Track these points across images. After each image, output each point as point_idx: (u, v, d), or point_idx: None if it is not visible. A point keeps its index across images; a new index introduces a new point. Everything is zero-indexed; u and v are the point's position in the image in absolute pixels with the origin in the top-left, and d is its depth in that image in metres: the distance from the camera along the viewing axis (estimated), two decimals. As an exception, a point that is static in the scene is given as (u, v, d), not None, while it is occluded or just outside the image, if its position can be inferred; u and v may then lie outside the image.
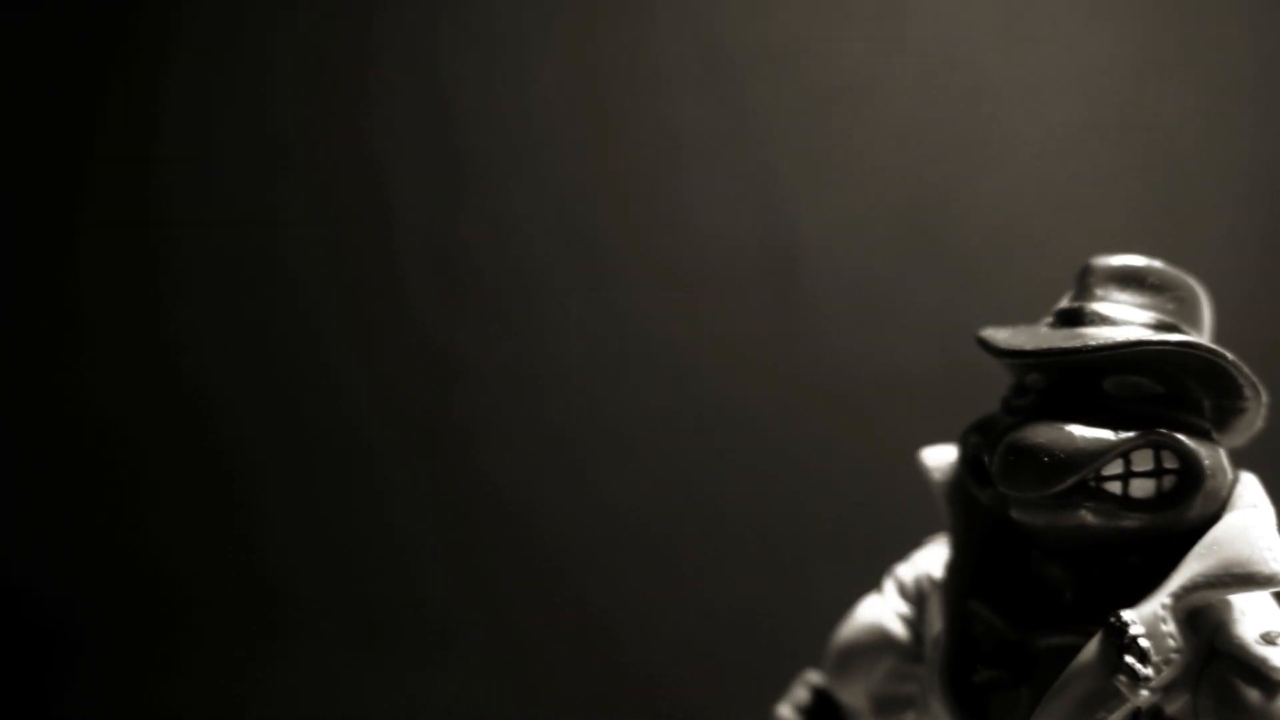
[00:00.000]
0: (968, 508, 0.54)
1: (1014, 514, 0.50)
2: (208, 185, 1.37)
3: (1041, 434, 0.48)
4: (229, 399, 1.36)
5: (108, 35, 1.37)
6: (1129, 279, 0.52)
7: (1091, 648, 0.47)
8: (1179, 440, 0.48)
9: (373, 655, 1.33)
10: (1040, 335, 0.50)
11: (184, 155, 1.37)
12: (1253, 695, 0.44)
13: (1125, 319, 0.50)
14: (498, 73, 1.31)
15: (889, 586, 0.59)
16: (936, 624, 0.53)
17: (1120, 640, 0.46)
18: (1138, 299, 0.51)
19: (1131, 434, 0.47)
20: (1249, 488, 0.49)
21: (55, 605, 1.40)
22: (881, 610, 0.58)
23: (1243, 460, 0.52)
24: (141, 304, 1.38)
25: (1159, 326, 0.50)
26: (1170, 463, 0.48)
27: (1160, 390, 0.49)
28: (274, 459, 1.35)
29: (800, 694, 0.63)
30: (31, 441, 1.40)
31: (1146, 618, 0.46)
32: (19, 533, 1.40)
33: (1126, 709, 0.46)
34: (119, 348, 1.38)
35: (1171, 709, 0.46)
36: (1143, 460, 0.48)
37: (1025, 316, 0.54)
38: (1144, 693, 0.45)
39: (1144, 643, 0.45)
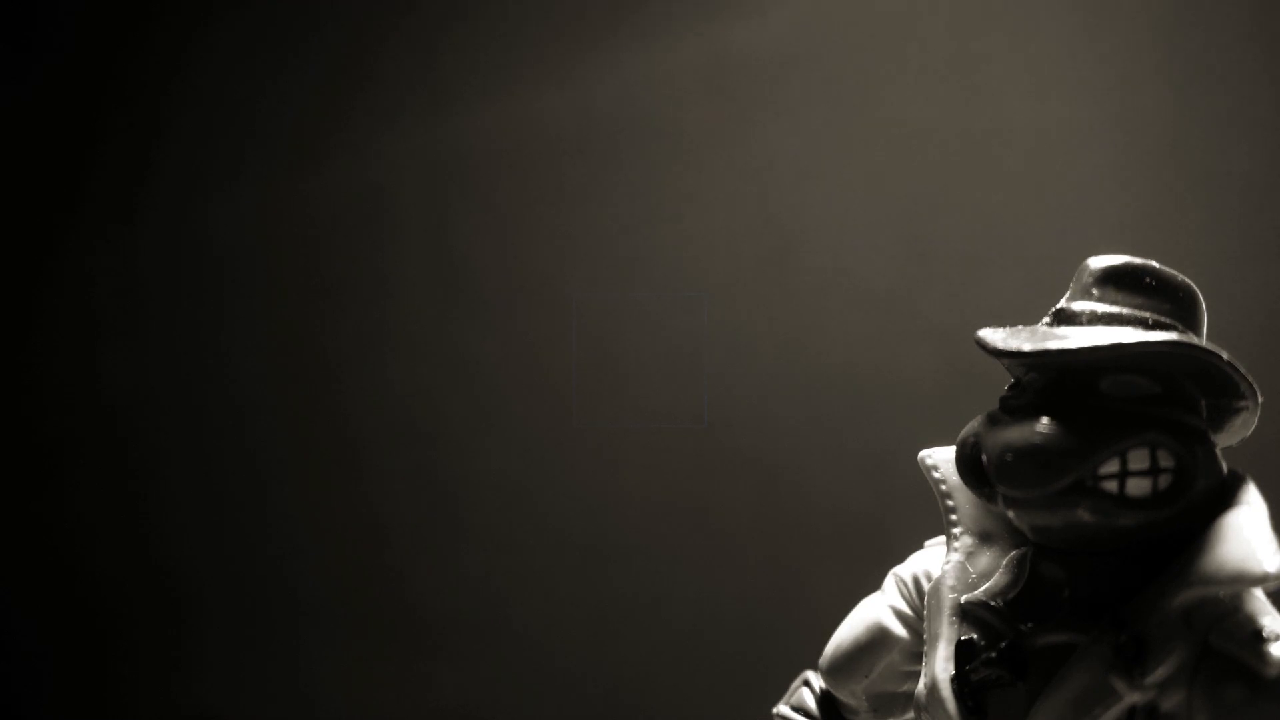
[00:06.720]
0: (967, 507, 0.54)
1: (1011, 513, 0.50)
2: (202, 183, 1.38)
3: (1038, 433, 0.48)
4: (233, 400, 1.37)
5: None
6: (1126, 279, 0.52)
7: (1088, 645, 0.47)
8: (1175, 440, 0.48)
9: (376, 650, 1.33)
10: (1037, 335, 0.51)
11: (180, 154, 1.38)
12: (1247, 692, 0.44)
13: (1122, 319, 0.51)
14: (497, 73, 1.31)
15: (889, 585, 0.59)
16: (935, 622, 0.53)
17: (1117, 638, 0.46)
18: (1135, 299, 0.52)
19: (1128, 433, 0.48)
20: (1244, 487, 0.50)
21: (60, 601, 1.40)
22: (881, 609, 0.59)
23: (1237, 459, 0.52)
24: (147, 308, 1.39)
25: (1155, 326, 0.51)
26: (1166, 462, 0.48)
27: (1157, 390, 0.50)
28: (275, 460, 1.36)
29: (800, 693, 0.64)
30: (42, 438, 1.41)
31: (1143, 615, 0.46)
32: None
33: (1123, 706, 0.46)
34: (129, 350, 1.39)
35: (1167, 706, 0.46)
36: (1139, 459, 0.48)
37: (1024, 317, 0.54)
38: (1139, 690, 0.46)
39: (1140, 640, 0.46)
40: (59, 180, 1.40)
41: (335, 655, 1.33)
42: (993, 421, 0.51)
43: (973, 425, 0.52)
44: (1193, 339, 0.50)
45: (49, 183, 1.41)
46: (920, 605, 0.56)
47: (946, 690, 0.51)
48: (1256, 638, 0.45)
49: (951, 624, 0.52)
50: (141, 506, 1.39)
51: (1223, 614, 0.46)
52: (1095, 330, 0.50)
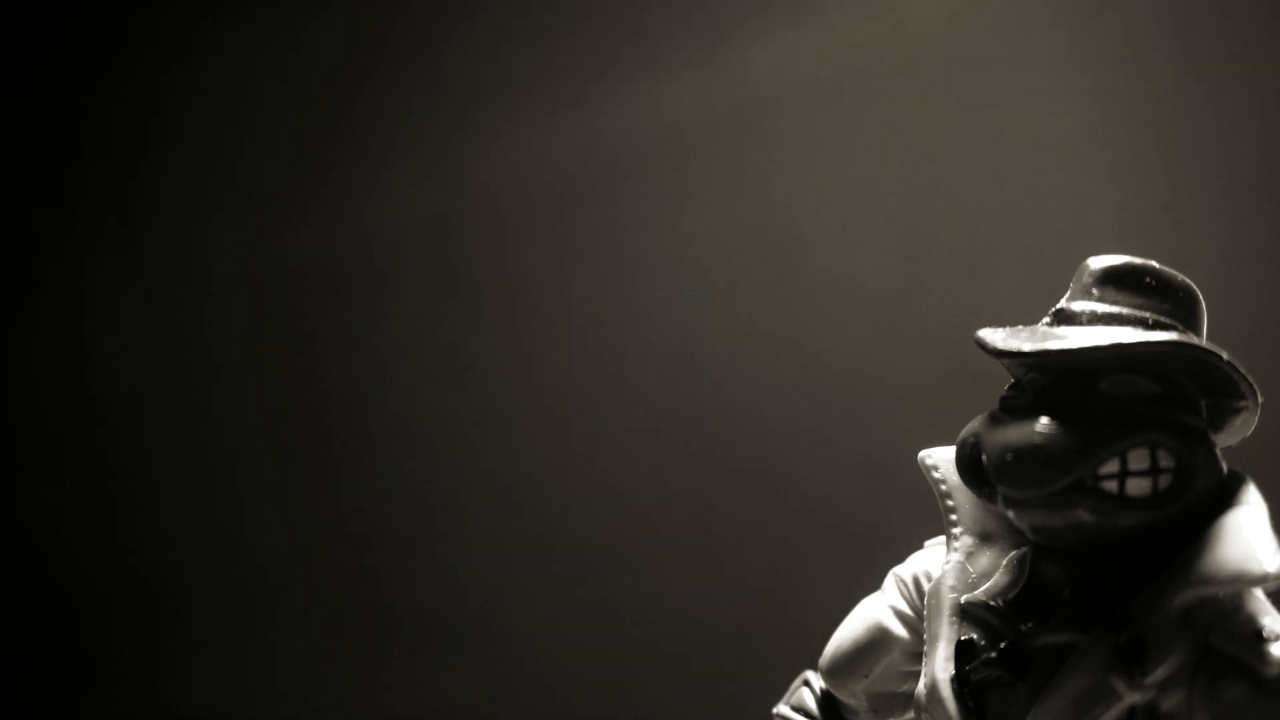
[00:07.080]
0: (967, 507, 0.54)
1: (1011, 513, 0.50)
2: (200, 182, 1.37)
3: (1038, 433, 0.48)
4: (230, 401, 1.37)
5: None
6: (1126, 279, 0.52)
7: (1088, 645, 0.47)
8: (1175, 440, 0.48)
9: (376, 651, 1.33)
10: (1037, 335, 0.51)
11: (179, 153, 1.38)
12: (1247, 692, 0.44)
13: (1122, 319, 0.51)
14: (498, 75, 1.31)
15: (889, 585, 0.59)
16: (935, 622, 0.53)
17: (1117, 638, 0.46)
18: (1135, 299, 0.52)
19: (1128, 433, 0.48)
20: (1244, 487, 0.50)
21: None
22: (881, 609, 0.59)
23: (1237, 459, 0.52)
24: (145, 308, 1.38)
25: (1155, 326, 0.51)
26: (1166, 462, 0.48)
27: (1157, 390, 0.50)
28: (265, 456, 1.36)
29: (800, 693, 0.63)
30: (22, 437, 1.41)
31: (1143, 615, 0.46)
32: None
33: (1123, 706, 0.46)
34: (118, 347, 1.38)
35: (1167, 706, 0.46)
36: (1139, 459, 0.48)
37: (1025, 317, 0.54)
38: (1140, 690, 0.46)
39: (1140, 640, 0.46)
40: (57, 180, 1.40)
41: (336, 656, 1.33)
42: (993, 421, 0.51)
43: (973, 425, 0.52)
44: (1193, 339, 0.50)
45: (47, 183, 1.41)
46: (920, 605, 0.56)
47: (946, 690, 0.51)
48: (1256, 638, 0.45)
49: (951, 624, 0.52)
50: (138, 506, 1.39)
51: (1223, 614, 0.46)
52: (1095, 330, 0.50)
